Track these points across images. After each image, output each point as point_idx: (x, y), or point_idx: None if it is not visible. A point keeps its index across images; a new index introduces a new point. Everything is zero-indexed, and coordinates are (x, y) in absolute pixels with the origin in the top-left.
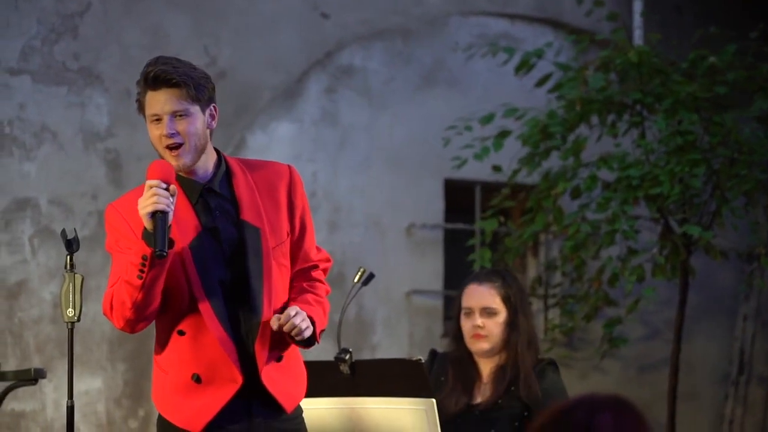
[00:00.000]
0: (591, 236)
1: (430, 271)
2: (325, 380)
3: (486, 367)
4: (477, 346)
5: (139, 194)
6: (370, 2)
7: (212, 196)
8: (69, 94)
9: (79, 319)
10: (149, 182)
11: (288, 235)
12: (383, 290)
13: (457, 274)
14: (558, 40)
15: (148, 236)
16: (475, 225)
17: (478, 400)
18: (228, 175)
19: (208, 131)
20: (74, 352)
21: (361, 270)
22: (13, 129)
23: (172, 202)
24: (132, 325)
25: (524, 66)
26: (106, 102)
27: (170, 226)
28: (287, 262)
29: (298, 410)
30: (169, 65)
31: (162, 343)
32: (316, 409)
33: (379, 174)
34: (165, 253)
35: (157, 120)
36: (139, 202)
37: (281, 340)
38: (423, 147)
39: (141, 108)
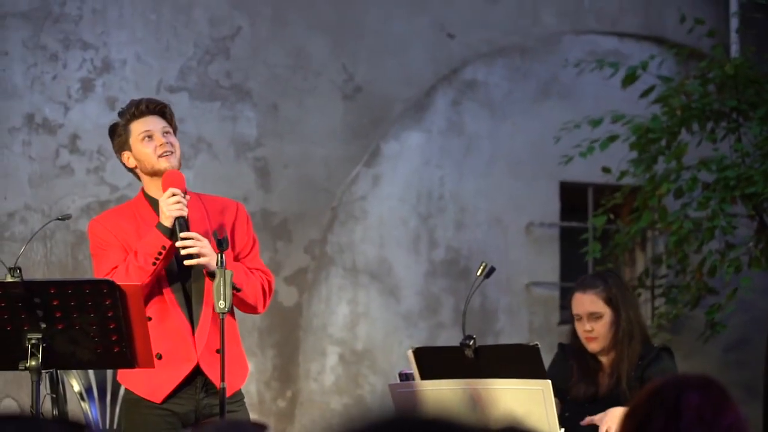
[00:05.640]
0: (693, 232)
1: (548, 265)
2: (452, 363)
3: (605, 360)
4: (590, 347)
5: (117, 212)
6: (492, 23)
7: None
8: (222, 109)
9: (230, 310)
10: (173, 189)
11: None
12: (505, 282)
13: (572, 268)
14: (661, 55)
15: (166, 232)
16: (588, 222)
17: (602, 389)
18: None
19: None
20: None
21: (484, 264)
22: None
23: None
24: None
25: (630, 79)
26: (255, 115)
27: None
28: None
29: (239, 395)
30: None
31: None
32: (444, 389)
33: (501, 178)
34: None
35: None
36: (164, 203)
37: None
38: (540, 153)
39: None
